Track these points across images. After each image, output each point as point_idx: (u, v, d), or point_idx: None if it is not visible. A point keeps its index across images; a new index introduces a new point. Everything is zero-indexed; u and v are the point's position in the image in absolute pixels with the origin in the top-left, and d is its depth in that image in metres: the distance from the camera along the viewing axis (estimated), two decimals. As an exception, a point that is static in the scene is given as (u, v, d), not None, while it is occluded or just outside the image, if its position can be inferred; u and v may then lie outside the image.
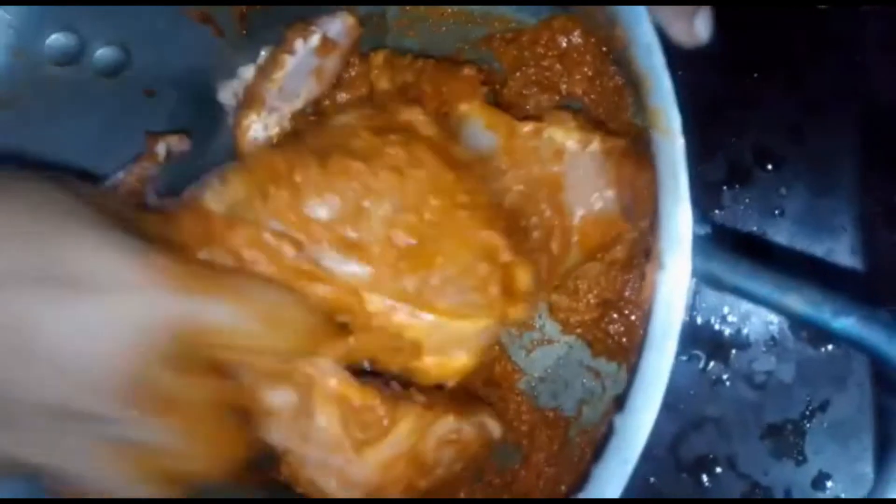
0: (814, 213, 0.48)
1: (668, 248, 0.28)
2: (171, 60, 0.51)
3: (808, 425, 0.48)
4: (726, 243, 0.29)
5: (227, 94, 0.52)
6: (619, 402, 0.30)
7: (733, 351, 0.49)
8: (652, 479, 0.48)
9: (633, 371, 0.29)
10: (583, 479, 0.32)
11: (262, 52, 0.52)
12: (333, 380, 0.36)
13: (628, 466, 0.28)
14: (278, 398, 0.36)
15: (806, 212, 0.49)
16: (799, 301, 0.28)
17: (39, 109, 0.44)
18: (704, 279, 0.29)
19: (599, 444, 0.33)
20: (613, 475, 0.29)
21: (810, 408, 0.48)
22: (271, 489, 0.50)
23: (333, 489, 0.37)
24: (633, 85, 0.37)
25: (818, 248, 0.48)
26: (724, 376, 0.50)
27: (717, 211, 0.49)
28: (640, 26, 0.29)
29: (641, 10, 0.29)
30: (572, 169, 0.38)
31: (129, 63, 0.47)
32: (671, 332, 0.27)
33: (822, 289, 0.27)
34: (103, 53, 0.46)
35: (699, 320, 0.47)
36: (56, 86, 0.44)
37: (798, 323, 0.30)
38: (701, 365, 0.50)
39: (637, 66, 0.29)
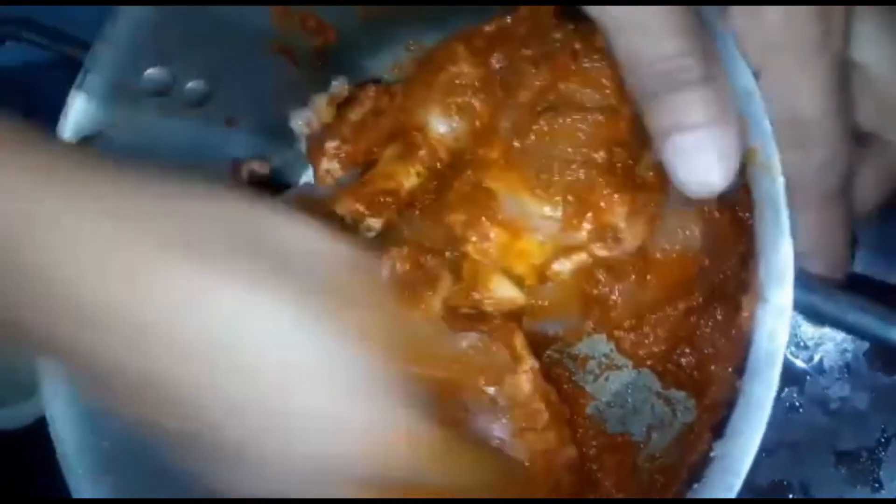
0: (888, 242, 0.49)
1: (770, 281, 0.28)
2: (250, 90, 0.53)
3: (883, 453, 0.48)
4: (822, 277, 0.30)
5: (299, 121, 0.54)
6: (717, 430, 0.31)
7: (807, 378, 0.50)
8: (724, 505, 0.48)
9: (732, 399, 0.30)
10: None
11: (334, 83, 0.54)
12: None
13: (732, 492, 0.29)
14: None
15: (879, 240, 0.49)
16: (903, 334, 0.28)
17: (131, 136, 0.46)
18: (804, 311, 0.30)
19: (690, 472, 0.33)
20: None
21: (885, 435, 0.49)
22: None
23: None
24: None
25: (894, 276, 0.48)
26: (798, 403, 0.50)
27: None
28: (738, 72, 0.30)
29: (739, 59, 0.30)
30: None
31: (213, 94, 0.49)
32: (775, 362, 0.28)
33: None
34: (192, 86, 0.48)
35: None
36: (147, 115, 0.46)
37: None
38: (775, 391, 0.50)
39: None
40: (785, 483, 0.49)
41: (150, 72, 0.45)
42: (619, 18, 0.28)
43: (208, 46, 0.47)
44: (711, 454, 0.30)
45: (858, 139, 0.35)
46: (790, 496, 0.49)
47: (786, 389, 0.50)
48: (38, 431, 0.43)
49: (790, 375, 0.50)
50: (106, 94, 0.44)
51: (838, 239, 0.33)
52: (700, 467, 0.31)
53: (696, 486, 0.31)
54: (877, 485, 0.48)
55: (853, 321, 0.29)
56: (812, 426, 0.49)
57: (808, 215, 0.29)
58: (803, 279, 0.29)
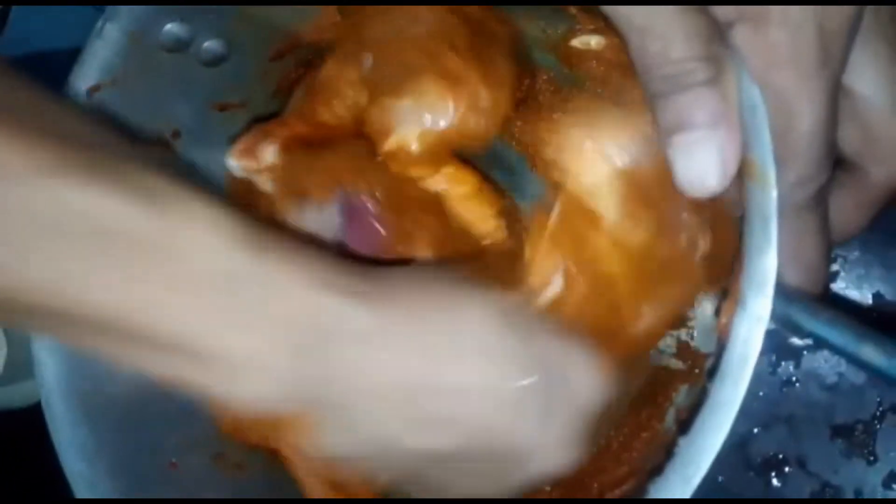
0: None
1: (750, 290, 0.28)
2: (261, 56, 0.52)
3: (879, 426, 0.49)
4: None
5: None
6: (683, 426, 0.31)
7: (804, 353, 0.50)
8: (720, 478, 0.50)
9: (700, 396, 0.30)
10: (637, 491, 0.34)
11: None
12: None
13: (689, 484, 0.29)
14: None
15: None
16: (874, 352, 0.28)
17: (144, 89, 0.46)
18: (782, 323, 0.30)
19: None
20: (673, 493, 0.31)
21: (881, 408, 0.49)
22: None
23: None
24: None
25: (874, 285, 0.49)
26: (794, 378, 0.50)
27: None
28: (744, 86, 0.29)
29: (745, 74, 0.29)
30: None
31: (228, 56, 0.49)
32: (746, 366, 0.29)
33: (897, 342, 0.28)
34: (209, 45, 0.48)
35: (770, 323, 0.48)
36: (162, 70, 0.46)
37: (871, 374, 0.31)
38: (771, 366, 0.50)
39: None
40: (781, 457, 0.50)
41: (170, 27, 0.45)
42: (628, 19, 0.29)
43: (229, 10, 0.47)
44: (675, 450, 0.31)
45: (839, 164, 0.35)
46: (786, 469, 0.50)
47: (782, 364, 0.50)
48: (41, 413, 0.43)
49: (786, 350, 0.50)
50: (122, 43, 0.44)
51: (811, 248, 0.33)
52: (663, 462, 0.31)
53: (657, 478, 0.31)
54: (872, 458, 0.49)
55: (828, 336, 0.30)
56: (808, 400, 0.50)
57: (781, 224, 0.29)
58: (784, 292, 0.29)
